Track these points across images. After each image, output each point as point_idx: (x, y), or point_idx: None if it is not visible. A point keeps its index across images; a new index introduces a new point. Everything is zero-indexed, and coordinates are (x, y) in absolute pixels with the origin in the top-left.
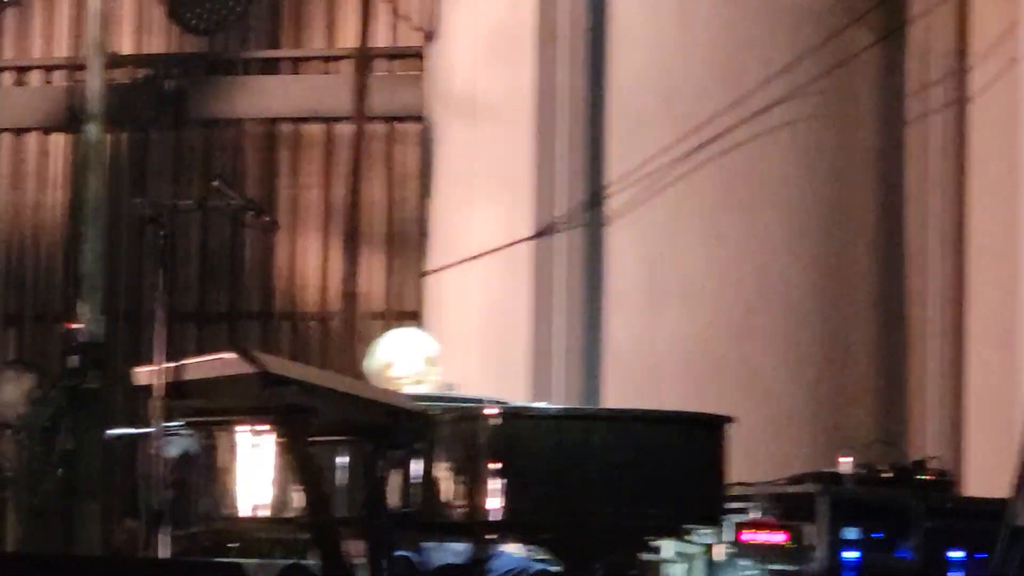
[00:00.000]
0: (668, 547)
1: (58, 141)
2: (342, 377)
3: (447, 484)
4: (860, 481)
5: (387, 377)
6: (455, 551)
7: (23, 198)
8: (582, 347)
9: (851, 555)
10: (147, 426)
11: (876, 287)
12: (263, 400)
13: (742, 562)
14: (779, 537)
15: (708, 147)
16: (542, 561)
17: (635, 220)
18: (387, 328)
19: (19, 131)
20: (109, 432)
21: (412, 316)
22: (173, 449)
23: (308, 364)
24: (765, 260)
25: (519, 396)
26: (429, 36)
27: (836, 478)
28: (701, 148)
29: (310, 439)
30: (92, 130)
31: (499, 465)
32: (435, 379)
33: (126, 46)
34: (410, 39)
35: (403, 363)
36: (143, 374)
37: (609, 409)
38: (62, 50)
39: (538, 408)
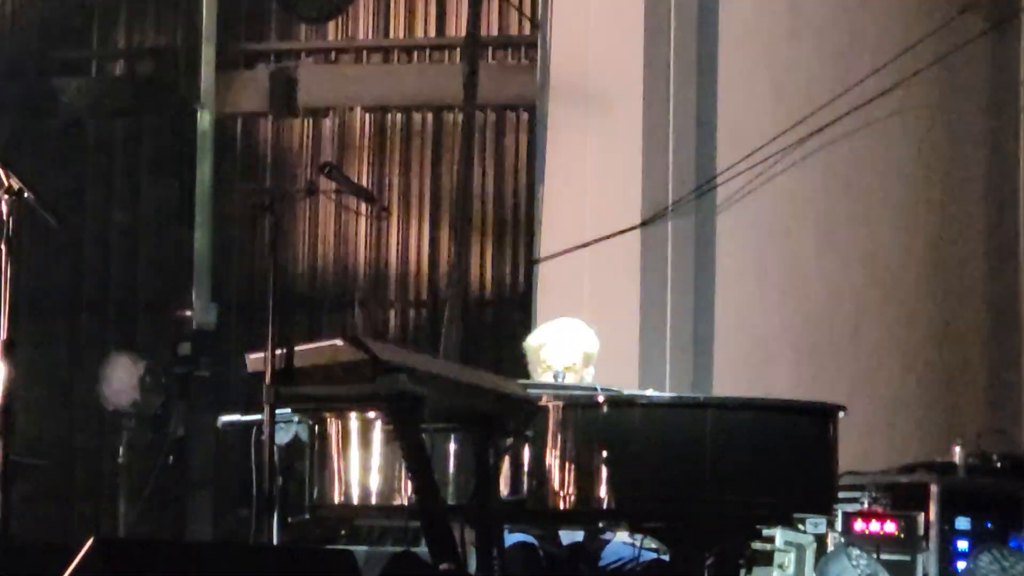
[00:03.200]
0: (779, 536)
1: (170, 128)
2: (452, 364)
3: (557, 472)
4: (972, 471)
5: (540, 357)
6: (574, 536)
7: (136, 185)
8: (691, 334)
9: (962, 544)
10: (258, 413)
11: (988, 275)
12: (373, 387)
13: (853, 551)
14: (890, 526)
15: (818, 135)
16: (652, 550)
17: (744, 208)
18: (497, 315)
19: (132, 118)
20: (220, 419)
21: (522, 304)
22: (283, 436)
23: (418, 351)
24: (876, 249)
25: (629, 384)
26: (538, 24)
27: (948, 468)
28: (811, 136)
29: (420, 426)
30: (204, 118)
31: (609, 453)
32: (587, 376)
33: (239, 34)
34: (520, 27)
35: (560, 349)
36: (254, 361)
37: (720, 397)
38: (175, 39)
39: (648, 396)
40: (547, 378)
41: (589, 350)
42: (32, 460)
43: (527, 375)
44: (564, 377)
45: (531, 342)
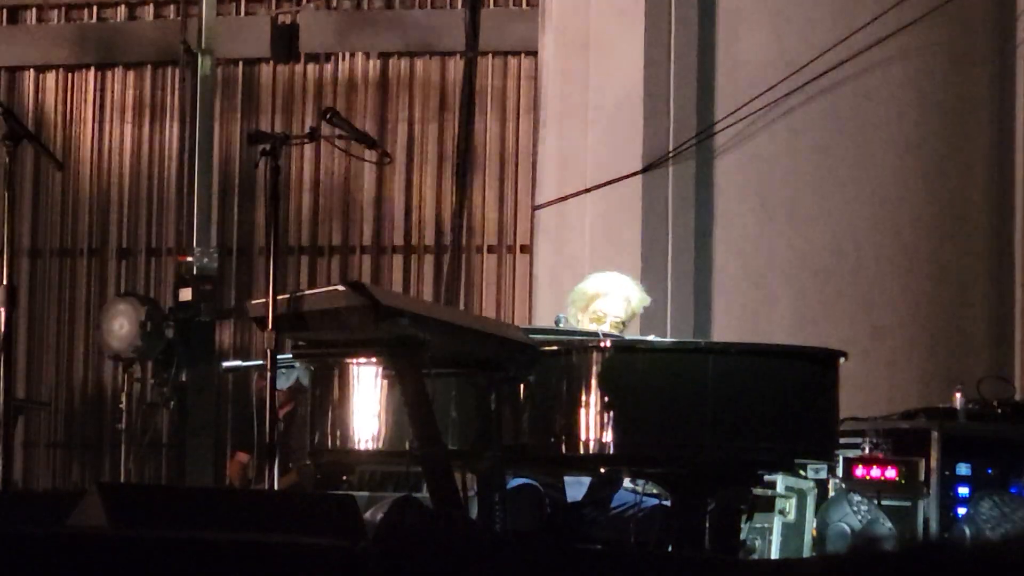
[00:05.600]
0: (780, 481)
1: (171, 75)
2: (454, 309)
3: (558, 417)
4: (972, 416)
5: (593, 306)
6: (580, 481)
7: (137, 131)
8: (692, 280)
9: (963, 490)
10: (259, 359)
11: (989, 220)
12: (375, 332)
13: (854, 497)
14: (891, 472)
15: (818, 80)
16: (653, 495)
17: (745, 153)
18: (498, 261)
19: (132, 65)
20: (222, 364)
21: (523, 249)
22: (284, 382)
23: (420, 297)
24: (876, 195)
25: (630, 329)
26: None
27: (948, 413)
28: (812, 82)
29: (422, 371)
30: (205, 64)
31: (610, 399)
32: (627, 332)
33: None
34: None
35: (612, 301)
36: (255, 307)
37: (721, 343)
38: None
39: (650, 341)
40: (588, 325)
41: (639, 310)
42: (33, 405)
43: (528, 320)
44: (609, 328)
45: (586, 288)
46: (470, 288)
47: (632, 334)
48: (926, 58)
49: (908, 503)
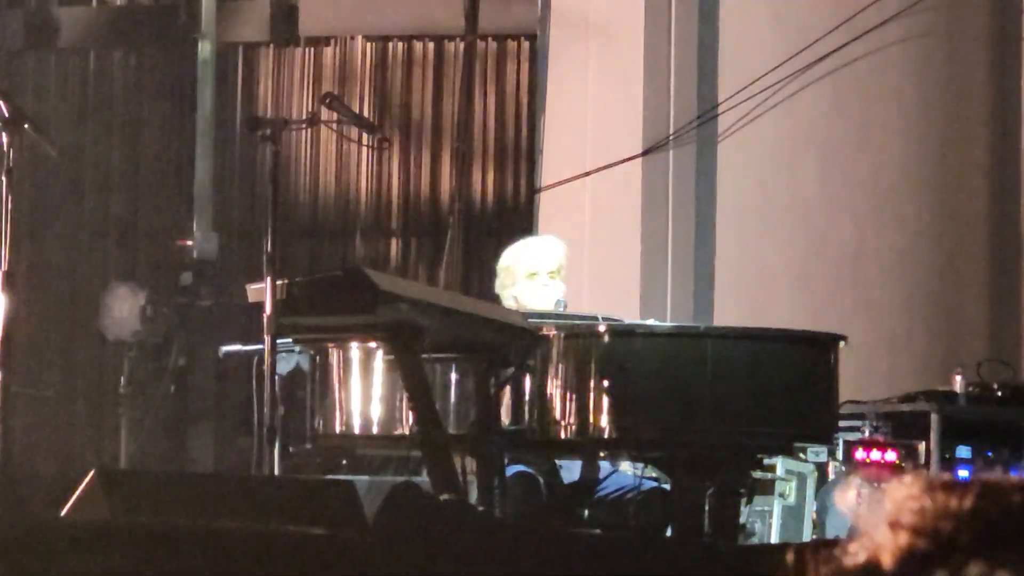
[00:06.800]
0: (780, 465)
1: (171, 57)
2: (453, 294)
3: (557, 401)
4: (972, 399)
5: (520, 270)
6: (574, 467)
7: (137, 115)
8: (692, 264)
9: (963, 474)
10: (259, 343)
11: (990, 203)
12: (374, 318)
13: (854, 480)
14: (891, 456)
15: (820, 64)
16: (653, 479)
17: (746, 137)
18: (498, 245)
19: (133, 48)
20: (221, 349)
21: (524, 233)
22: (284, 366)
23: (419, 281)
24: (878, 178)
25: (630, 313)
26: None
27: (948, 396)
28: (813, 65)
29: (420, 356)
30: (204, 46)
31: (610, 383)
32: (558, 286)
33: None
34: None
35: (533, 255)
36: (255, 291)
37: (720, 327)
38: None
39: (650, 325)
40: (529, 287)
41: (565, 256)
42: (33, 391)
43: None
44: (543, 280)
45: (506, 263)
46: (470, 272)
47: (631, 319)
48: (927, 42)
49: None
